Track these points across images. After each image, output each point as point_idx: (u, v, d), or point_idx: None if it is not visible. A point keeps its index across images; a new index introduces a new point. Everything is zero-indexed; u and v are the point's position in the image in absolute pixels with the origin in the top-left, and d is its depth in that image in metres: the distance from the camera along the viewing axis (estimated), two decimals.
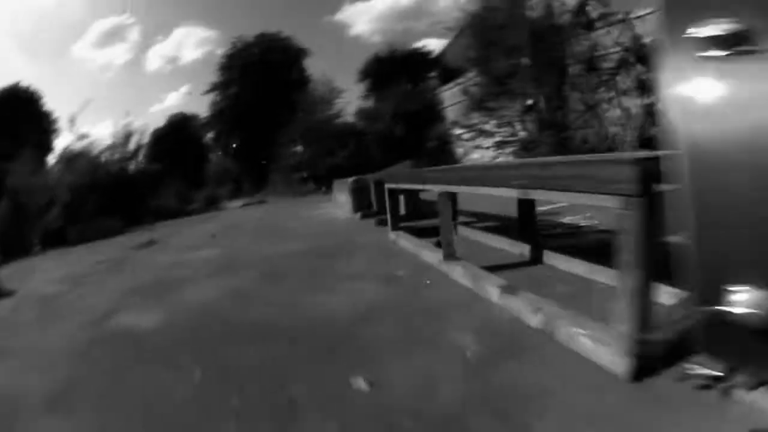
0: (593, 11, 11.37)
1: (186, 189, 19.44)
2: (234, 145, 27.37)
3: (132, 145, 17.29)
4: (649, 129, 10.49)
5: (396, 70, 23.85)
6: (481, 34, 12.73)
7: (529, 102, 12.32)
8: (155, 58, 58.25)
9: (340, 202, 9.73)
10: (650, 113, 10.52)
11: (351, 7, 55.06)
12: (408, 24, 47.28)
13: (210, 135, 28.95)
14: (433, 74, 22.12)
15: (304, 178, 19.69)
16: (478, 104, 13.29)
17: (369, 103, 23.63)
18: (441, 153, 16.31)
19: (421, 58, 25.13)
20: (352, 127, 21.05)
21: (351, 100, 36.13)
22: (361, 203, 7.99)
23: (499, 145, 13.00)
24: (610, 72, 11.38)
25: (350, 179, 8.42)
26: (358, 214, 7.76)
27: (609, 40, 10.99)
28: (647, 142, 10.01)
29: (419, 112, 19.23)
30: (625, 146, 10.31)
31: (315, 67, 33.93)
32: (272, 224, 9.22)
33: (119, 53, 46.44)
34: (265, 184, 22.14)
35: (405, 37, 55.65)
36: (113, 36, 57.28)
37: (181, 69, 42.92)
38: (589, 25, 11.34)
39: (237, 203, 18.18)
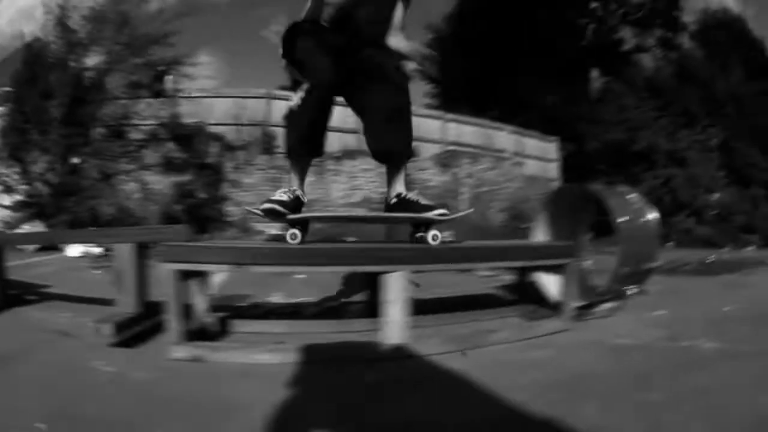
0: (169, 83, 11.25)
1: None
2: None
3: None
4: (172, 206, 10.72)
5: None
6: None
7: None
8: None
9: None
10: (179, 191, 10.81)
11: None
12: None
13: None
14: None
15: None
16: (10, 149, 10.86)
17: None
18: None
19: None
20: None
21: None
22: None
23: (21, 206, 10.72)
24: (139, 144, 11.22)
25: None
26: None
27: (148, 112, 10.95)
28: (172, 219, 10.19)
29: None
30: (148, 221, 10.25)
31: None
32: None
33: None
34: None
35: None
36: None
37: None
38: (158, 94, 11.12)
39: None
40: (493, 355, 2.46)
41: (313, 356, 2.31)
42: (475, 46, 22.44)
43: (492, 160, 13.44)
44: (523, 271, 3.71)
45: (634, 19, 23.23)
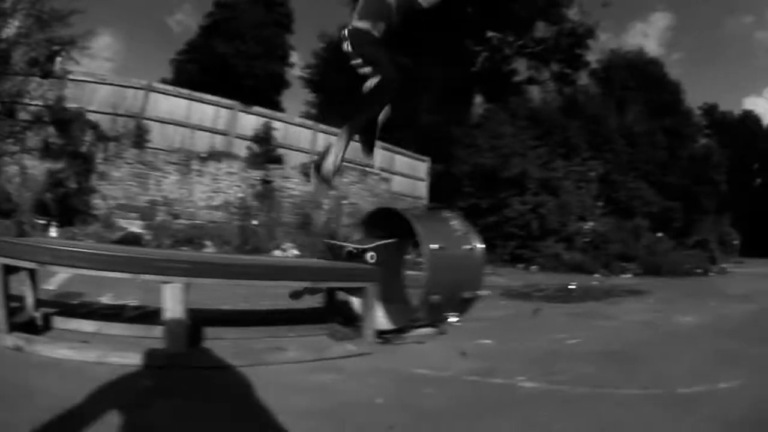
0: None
1: None
2: None
3: None
4: (45, 194, 10.38)
5: None
6: None
7: None
8: None
9: None
10: (51, 179, 10.46)
11: None
12: None
13: None
14: None
15: None
16: None
17: None
18: None
19: None
20: None
21: None
22: None
23: None
24: (24, 125, 10.87)
25: None
26: None
27: (38, 92, 10.60)
28: (42, 207, 9.89)
29: None
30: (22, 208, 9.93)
31: None
32: None
33: None
34: None
35: None
36: None
37: None
38: (47, 74, 10.71)
39: None
40: (278, 374, 2.44)
41: (107, 357, 2.41)
42: None
43: (359, 173, 13.50)
44: (332, 291, 3.68)
45: (532, 52, 23.60)
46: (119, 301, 3.65)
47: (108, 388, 2.06)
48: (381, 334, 3.29)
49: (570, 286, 8.01)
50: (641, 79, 24.19)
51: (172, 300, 2.46)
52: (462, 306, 3.64)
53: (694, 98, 47.32)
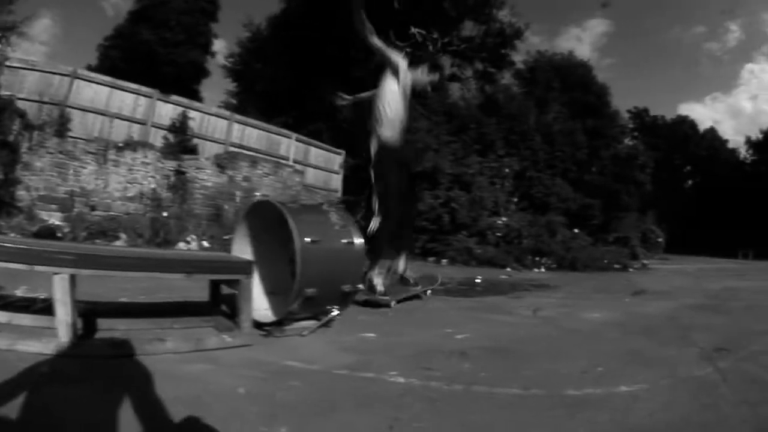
0: None
1: None
2: None
3: None
4: None
5: None
6: None
7: None
8: None
9: None
10: None
11: None
12: None
13: None
14: None
15: None
16: None
17: None
18: None
19: None
20: None
21: None
22: None
23: None
24: None
25: None
26: None
27: None
28: None
29: None
30: None
31: None
32: None
33: None
34: None
35: None
36: None
37: None
38: None
39: None
40: (156, 363, 2.48)
41: (15, 345, 2.53)
42: (288, 52, 22.34)
43: (272, 165, 13.51)
44: (216, 283, 3.64)
45: (456, 50, 23.61)
46: (32, 294, 3.68)
47: (12, 373, 2.17)
48: (263, 326, 3.37)
49: (476, 280, 8.11)
50: (566, 81, 25.01)
51: (61, 291, 2.60)
52: (343, 300, 3.68)
53: (629, 102, 49.26)
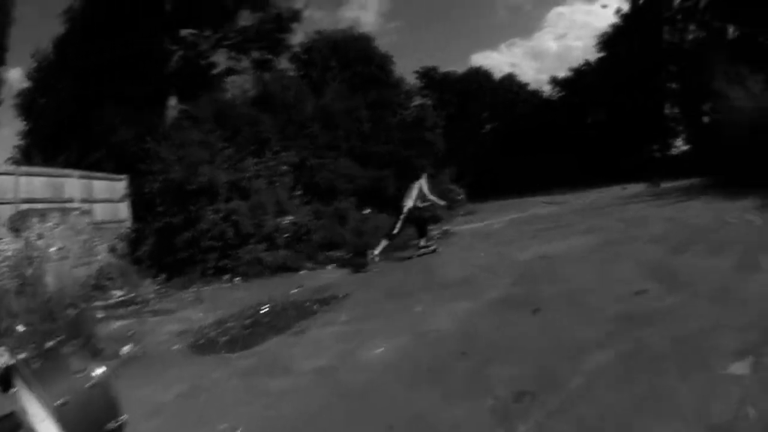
0: None
1: None
2: None
3: None
4: None
5: None
6: None
7: None
8: None
9: None
10: None
11: None
12: None
13: None
14: None
15: None
16: None
17: None
18: None
19: None
20: None
21: None
22: None
23: None
24: None
25: None
26: None
27: None
28: None
29: None
30: None
31: None
32: None
33: None
34: None
35: None
36: None
37: None
38: None
39: None
40: None
41: None
42: (70, 77, 21.03)
43: (60, 213, 12.29)
44: None
45: (231, 43, 24.01)
46: None
47: None
48: None
49: (261, 311, 7.68)
50: (346, 57, 25.64)
51: None
52: None
53: (420, 63, 51.96)
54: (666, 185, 21.95)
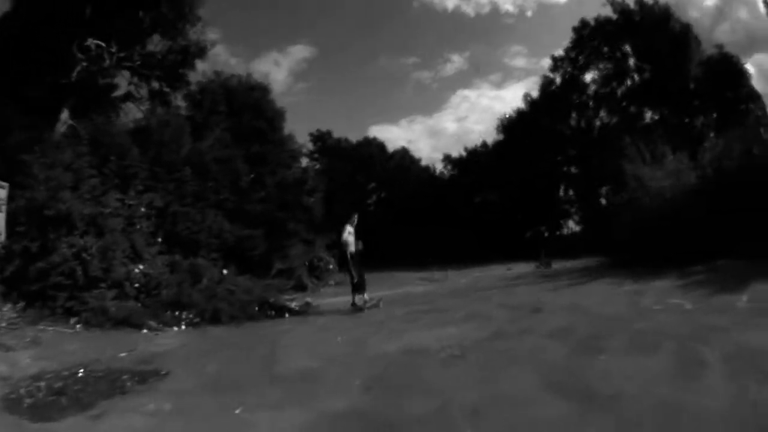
0: None
1: None
2: None
3: None
4: None
5: None
6: None
7: None
8: None
9: None
10: None
11: None
12: None
13: None
14: None
15: None
16: None
17: None
18: None
19: None
20: None
21: None
22: None
23: None
24: None
25: None
26: None
27: None
28: None
29: None
30: None
31: None
32: None
33: None
34: None
35: None
36: None
37: None
38: None
39: None
40: None
41: None
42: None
43: None
44: None
45: (133, 66, 23.20)
46: None
47: None
48: None
49: (79, 373, 6.75)
50: (236, 105, 25.32)
51: None
52: None
53: (319, 125, 53.79)
54: (557, 266, 22.21)
